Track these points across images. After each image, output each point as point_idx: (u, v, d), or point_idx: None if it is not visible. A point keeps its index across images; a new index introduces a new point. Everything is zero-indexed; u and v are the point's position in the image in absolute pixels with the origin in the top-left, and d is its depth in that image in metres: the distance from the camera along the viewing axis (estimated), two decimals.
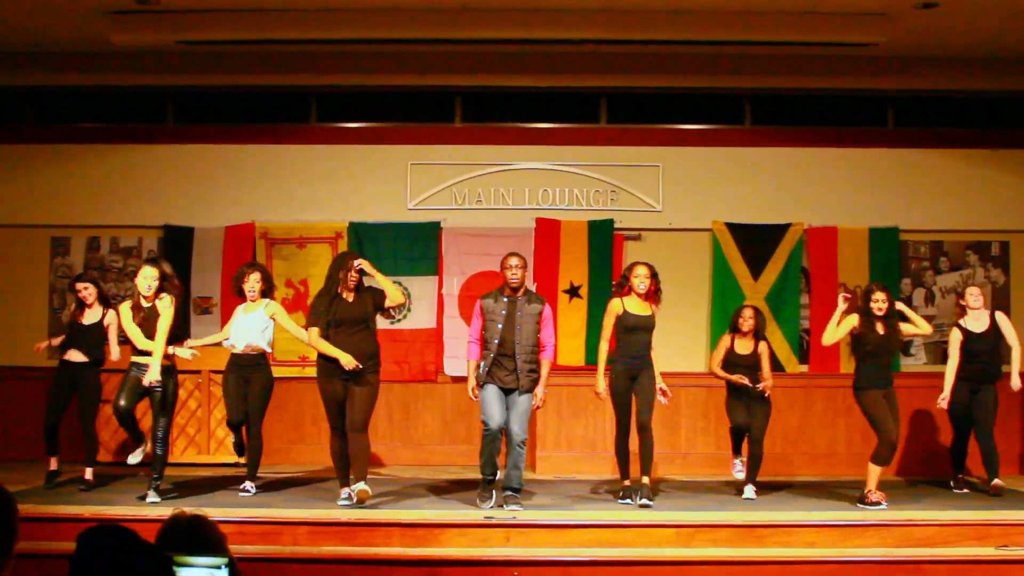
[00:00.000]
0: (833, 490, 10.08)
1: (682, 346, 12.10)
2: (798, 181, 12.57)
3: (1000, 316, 10.43)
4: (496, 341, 9.01)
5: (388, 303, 9.21)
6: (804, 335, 12.40)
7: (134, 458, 9.42)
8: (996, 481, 10.09)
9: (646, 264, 9.65)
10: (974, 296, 10.35)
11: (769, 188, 12.56)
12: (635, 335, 9.43)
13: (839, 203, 12.50)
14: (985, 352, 10.29)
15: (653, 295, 9.57)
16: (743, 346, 10.01)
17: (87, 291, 10.16)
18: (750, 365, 9.95)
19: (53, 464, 10.03)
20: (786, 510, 9.05)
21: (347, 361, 8.85)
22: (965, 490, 10.33)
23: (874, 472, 9.43)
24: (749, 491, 9.84)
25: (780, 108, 12.81)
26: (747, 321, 10.00)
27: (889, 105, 12.81)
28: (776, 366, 11.81)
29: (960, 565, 7.79)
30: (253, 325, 9.75)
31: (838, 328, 9.70)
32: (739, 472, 10.05)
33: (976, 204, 12.51)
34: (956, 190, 12.53)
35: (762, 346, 10.04)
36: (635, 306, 9.49)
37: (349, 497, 9.03)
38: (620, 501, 9.47)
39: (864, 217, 12.45)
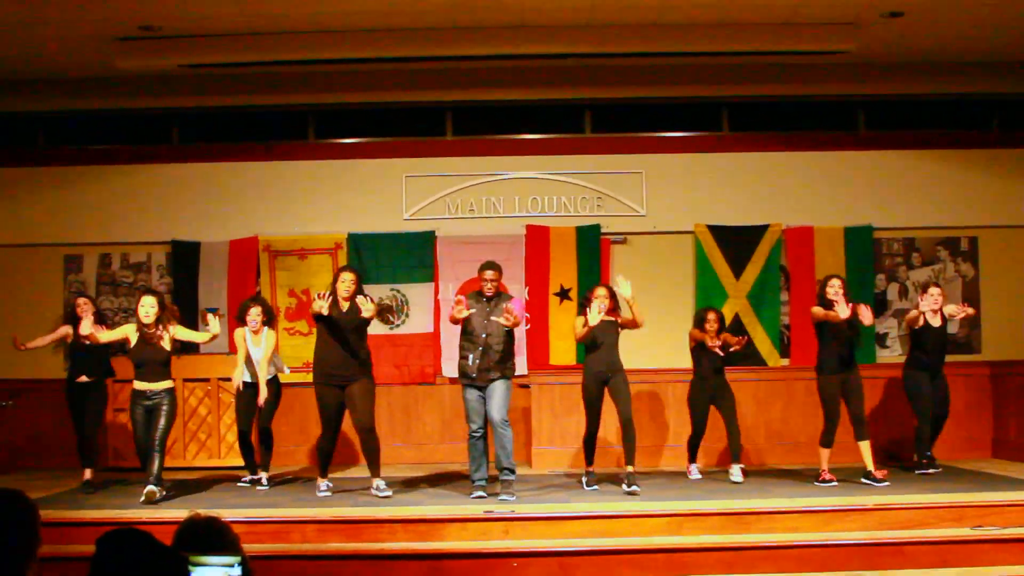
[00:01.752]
0: (815, 477, 10.19)
1: (668, 344, 12.39)
2: (775, 184, 12.87)
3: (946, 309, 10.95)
4: (478, 334, 9.58)
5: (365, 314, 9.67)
6: (784, 330, 12.71)
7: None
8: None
9: (603, 286, 10.29)
10: (933, 298, 10.78)
11: (748, 191, 12.86)
12: (601, 344, 10.07)
13: (815, 204, 12.81)
14: (941, 345, 10.89)
15: (613, 312, 10.17)
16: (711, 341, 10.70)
17: (87, 306, 10.61)
18: (720, 354, 10.71)
19: (88, 474, 10.47)
20: (770, 497, 9.20)
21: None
22: (940, 468, 10.73)
23: (823, 455, 10.14)
24: (736, 472, 10.42)
25: (756, 115, 13.12)
26: (712, 325, 10.75)
27: (860, 110, 13.13)
28: (758, 360, 12.42)
29: (938, 546, 8.00)
30: (259, 357, 10.48)
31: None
32: (696, 476, 10.75)
33: (945, 202, 12.83)
34: (926, 189, 12.83)
35: (724, 336, 10.78)
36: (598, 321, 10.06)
37: (328, 489, 9.71)
38: (588, 488, 10.01)
39: (839, 217, 12.76)
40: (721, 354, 10.69)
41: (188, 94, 12.90)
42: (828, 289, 10.20)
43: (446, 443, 12.55)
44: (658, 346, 12.38)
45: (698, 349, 10.79)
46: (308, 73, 12.72)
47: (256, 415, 10.57)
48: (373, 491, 9.59)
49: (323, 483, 9.82)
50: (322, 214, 12.81)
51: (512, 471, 9.51)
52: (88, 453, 10.56)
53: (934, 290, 10.83)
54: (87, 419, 10.61)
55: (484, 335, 9.56)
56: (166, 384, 9.69)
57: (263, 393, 10.36)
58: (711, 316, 10.80)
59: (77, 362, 10.73)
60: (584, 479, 10.25)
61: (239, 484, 10.58)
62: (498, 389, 9.55)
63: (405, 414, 12.71)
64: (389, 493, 9.54)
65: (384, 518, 8.51)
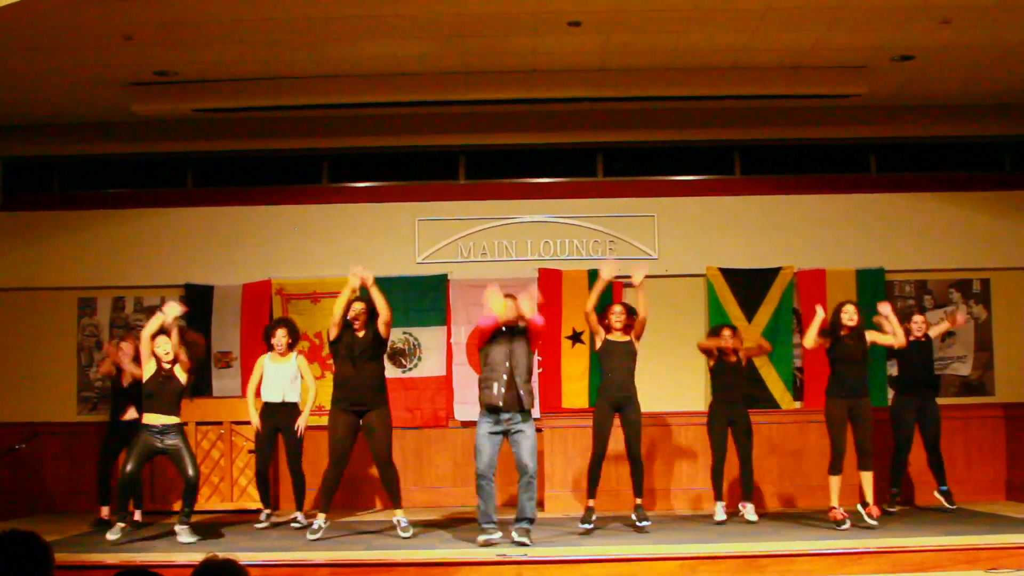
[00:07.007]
0: (829, 520, 10.19)
1: (680, 386, 12.49)
2: (787, 227, 12.90)
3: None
4: (500, 362, 9.27)
5: (380, 322, 9.82)
6: (797, 373, 12.69)
7: (114, 535, 9.46)
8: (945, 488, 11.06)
9: (618, 303, 10.60)
10: (917, 325, 11.27)
11: (760, 234, 12.89)
12: (617, 369, 10.12)
13: (827, 246, 12.82)
14: (926, 361, 11.27)
15: (628, 329, 10.32)
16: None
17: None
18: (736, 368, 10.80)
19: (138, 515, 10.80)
20: (785, 540, 9.19)
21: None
22: (897, 508, 11.05)
23: (833, 484, 10.13)
24: (750, 512, 10.48)
25: (768, 158, 13.19)
26: (727, 342, 10.74)
27: (872, 152, 13.21)
28: (771, 403, 12.38)
29: None
30: (283, 375, 10.58)
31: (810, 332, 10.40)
32: (721, 517, 10.53)
33: (957, 244, 12.85)
34: (938, 231, 12.86)
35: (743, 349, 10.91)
36: (616, 336, 10.25)
37: (319, 529, 9.62)
38: (582, 526, 9.88)
39: (851, 259, 12.77)
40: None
41: (202, 138, 13.00)
42: (843, 316, 10.28)
43: (458, 487, 12.50)
44: (670, 388, 12.40)
45: (716, 367, 10.82)
46: (321, 117, 12.81)
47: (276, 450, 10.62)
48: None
49: (318, 520, 9.75)
50: (335, 257, 12.76)
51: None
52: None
53: (918, 318, 11.39)
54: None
55: (507, 363, 9.18)
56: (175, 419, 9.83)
57: (302, 422, 10.59)
58: (726, 332, 10.83)
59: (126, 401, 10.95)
60: (583, 516, 10.05)
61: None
62: (529, 431, 9.22)
63: (417, 457, 12.67)
64: (409, 534, 9.62)
65: (397, 561, 8.46)
